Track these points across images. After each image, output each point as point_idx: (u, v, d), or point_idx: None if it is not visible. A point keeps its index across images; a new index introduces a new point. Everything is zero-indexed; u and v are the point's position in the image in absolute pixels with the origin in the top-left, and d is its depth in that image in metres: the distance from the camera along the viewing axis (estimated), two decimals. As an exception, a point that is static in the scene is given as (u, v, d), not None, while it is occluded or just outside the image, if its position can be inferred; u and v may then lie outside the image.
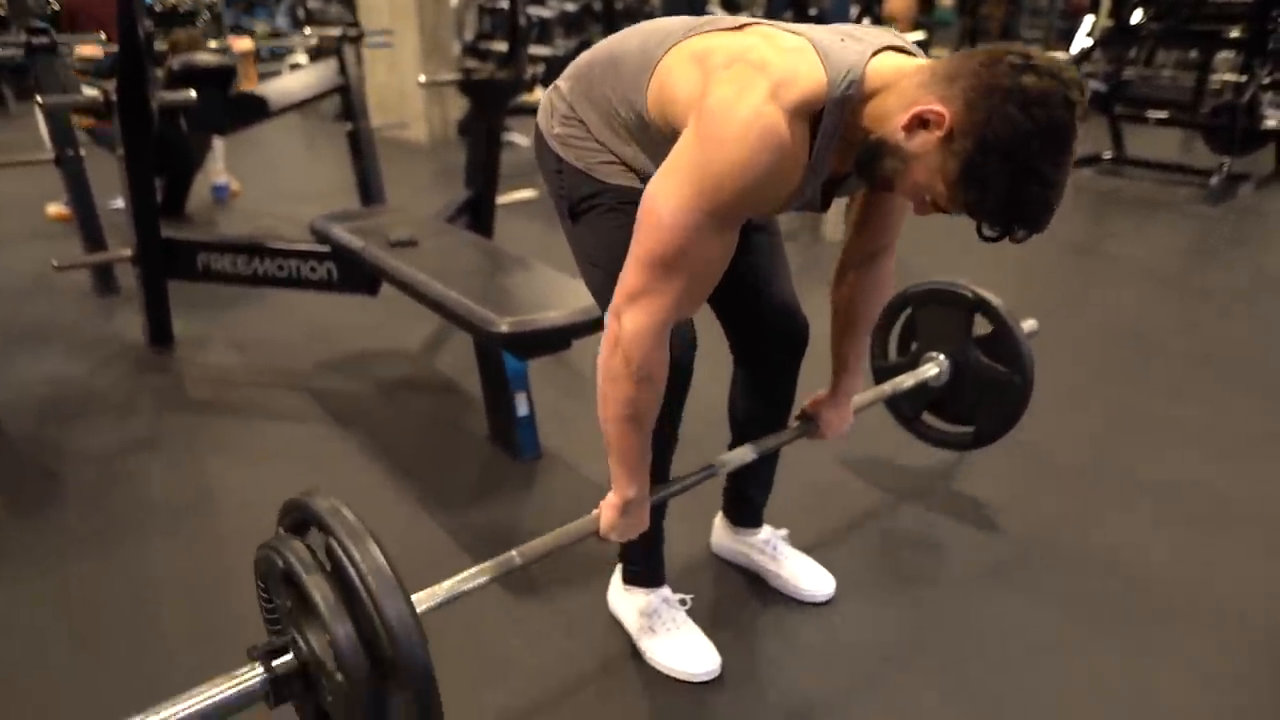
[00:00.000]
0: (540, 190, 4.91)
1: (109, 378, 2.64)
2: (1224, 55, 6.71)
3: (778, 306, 1.52)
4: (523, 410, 2.17)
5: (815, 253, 3.95)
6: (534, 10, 7.30)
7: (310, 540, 1.02)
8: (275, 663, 0.97)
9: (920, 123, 0.99)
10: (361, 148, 3.84)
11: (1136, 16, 5.60)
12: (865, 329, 1.53)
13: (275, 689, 0.97)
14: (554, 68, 4.71)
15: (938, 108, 0.96)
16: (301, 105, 3.93)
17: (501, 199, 3.63)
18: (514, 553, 1.20)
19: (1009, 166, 0.93)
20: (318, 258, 2.61)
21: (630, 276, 1.14)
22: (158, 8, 8.03)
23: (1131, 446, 2.34)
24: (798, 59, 1.06)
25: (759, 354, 1.56)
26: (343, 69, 3.79)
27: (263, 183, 5.08)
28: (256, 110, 3.82)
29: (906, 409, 2.05)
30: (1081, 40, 5.85)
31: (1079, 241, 4.39)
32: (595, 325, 1.95)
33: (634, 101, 1.23)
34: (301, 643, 0.97)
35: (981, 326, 1.89)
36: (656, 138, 1.21)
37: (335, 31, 3.77)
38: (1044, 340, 3.16)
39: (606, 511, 1.28)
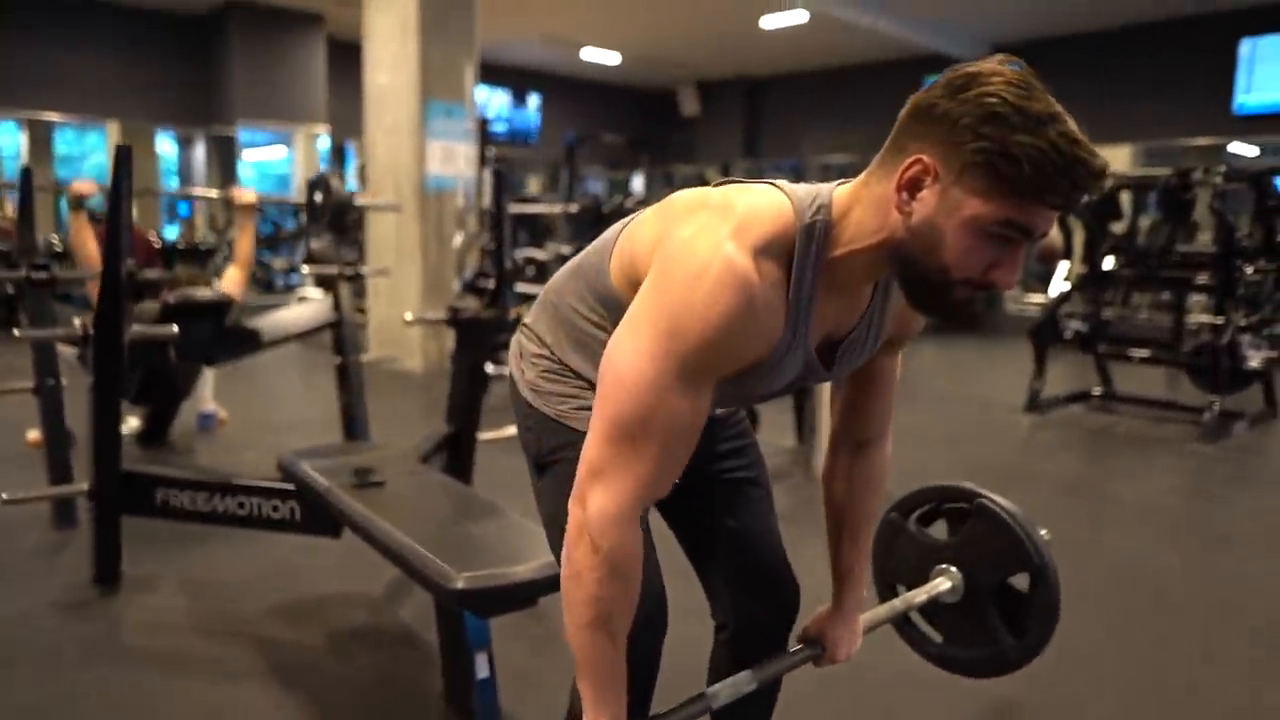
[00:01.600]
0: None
1: (38, 622, 2.44)
2: (1197, 297, 6.96)
3: (766, 572, 1.38)
4: (483, 672, 1.97)
5: (807, 494, 3.82)
6: (529, 252, 7.70)
7: None
8: None
9: (912, 185, 0.93)
10: (349, 382, 3.84)
11: (1108, 263, 5.84)
12: (866, 531, 1.38)
13: None
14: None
15: (913, 159, 0.92)
16: (293, 340, 3.97)
17: (486, 435, 3.57)
18: None
19: (1009, 127, 0.86)
20: (281, 496, 2.50)
21: (592, 451, 1.01)
22: (181, 245, 8.50)
23: (1168, 702, 2.11)
24: (762, 198, 1.02)
25: (744, 622, 1.39)
26: (337, 305, 3.87)
27: (253, 412, 5.06)
28: (249, 343, 3.86)
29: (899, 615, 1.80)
30: (1059, 284, 6.08)
31: (1077, 482, 4.30)
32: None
33: (601, 289, 1.16)
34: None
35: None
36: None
37: (333, 269, 3.88)
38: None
39: None
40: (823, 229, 1.00)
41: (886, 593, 1.70)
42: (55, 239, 7.05)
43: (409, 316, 3.24)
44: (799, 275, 1.00)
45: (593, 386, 1.19)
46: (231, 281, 3.70)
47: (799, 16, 8.85)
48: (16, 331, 2.67)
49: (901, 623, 1.74)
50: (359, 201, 4.73)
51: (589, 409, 1.20)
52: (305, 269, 3.88)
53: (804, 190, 1.03)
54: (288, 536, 2.65)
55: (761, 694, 1.37)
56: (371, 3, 6.51)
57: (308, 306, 4.23)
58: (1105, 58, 9.15)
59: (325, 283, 3.95)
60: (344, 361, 3.84)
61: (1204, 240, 6.89)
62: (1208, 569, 3.13)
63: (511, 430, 4.58)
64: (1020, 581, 1.59)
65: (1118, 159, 9.14)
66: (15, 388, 3.21)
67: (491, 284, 3.26)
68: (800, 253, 1.00)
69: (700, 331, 0.95)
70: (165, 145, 10.91)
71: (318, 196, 3.70)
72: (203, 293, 3.64)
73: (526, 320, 1.34)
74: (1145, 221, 6.94)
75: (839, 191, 1.02)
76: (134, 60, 9.33)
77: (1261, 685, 2.27)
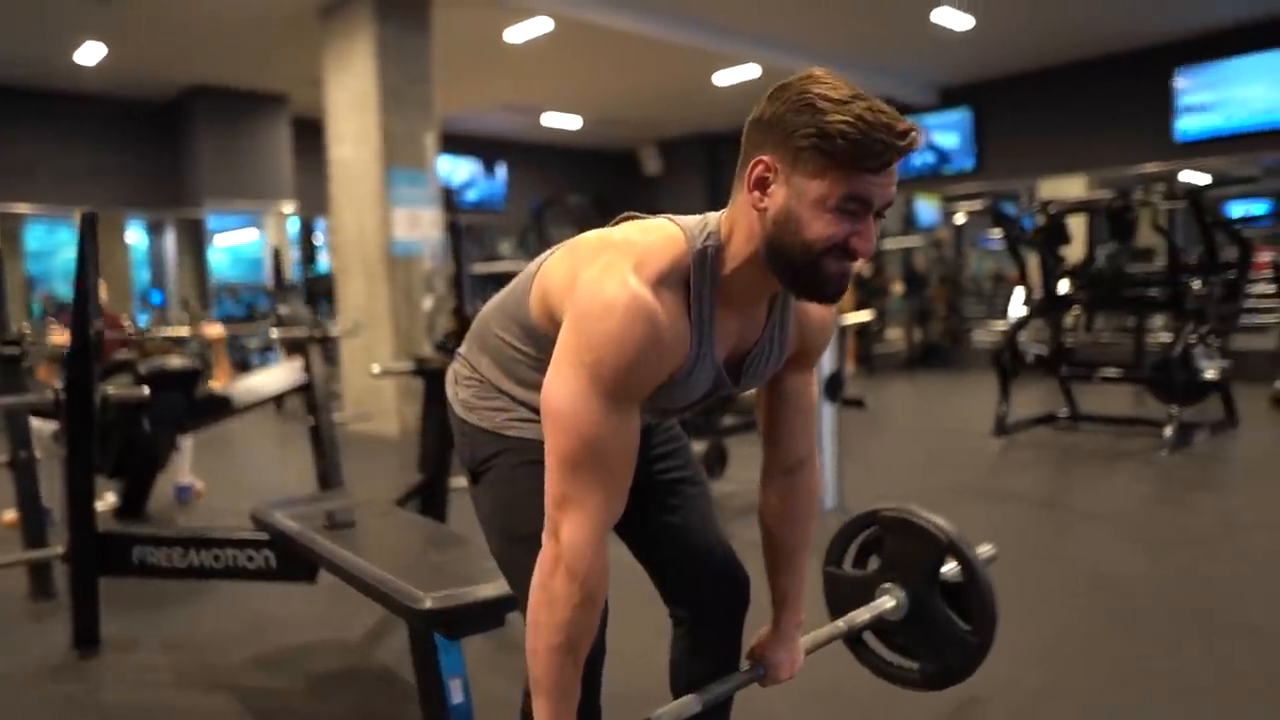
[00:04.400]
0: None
1: (17, 685, 2.44)
2: (1157, 317, 7.16)
3: (712, 560, 1.45)
4: (457, 698, 1.99)
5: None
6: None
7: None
8: None
9: (761, 184, 1.07)
10: (322, 441, 3.89)
11: (1063, 287, 6.02)
12: (801, 556, 1.46)
13: None
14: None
15: (755, 162, 1.06)
16: (266, 404, 4.02)
17: (459, 482, 3.62)
18: None
19: (821, 112, 1.00)
20: (255, 545, 2.53)
21: (554, 486, 1.10)
22: (153, 333, 8.55)
23: (1136, 700, 2.17)
24: (658, 233, 1.14)
25: (697, 612, 1.46)
26: (307, 367, 3.93)
27: (230, 481, 5.07)
28: (221, 409, 3.91)
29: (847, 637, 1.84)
30: (1017, 309, 6.24)
31: (1045, 496, 4.38)
32: (529, 597, 1.85)
33: (522, 319, 1.26)
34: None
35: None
36: (550, 345, 1.19)
37: (302, 332, 3.96)
38: (1025, 592, 3.05)
39: None
40: (714, 252, 1.13)
41: (855, 645, 1.77)
42: (25, 326, 7.08)
43: (376, 369, 3.31)
44: (697, 296, 1.12)
45: (519, 403, 1.32)
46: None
47: (751, 71, 9.17)
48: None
49: (866, 654, 1.79)
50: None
51: (517, 421, 1.31)
52: (274, 333, 3.95)
53: (694, 220, 1.17)
54: (266, 591, 2.68)
55: (717, 710, 1.44)
56: (332, 79, 6.71)
57: (278, 370, 4.29)
58: (1053, 94, 9.48)
59: (295, 346, 4.03)
60: (317, 422, 3.89)
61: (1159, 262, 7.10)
62: (1173, 570, 3.20)
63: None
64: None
65: (1073, 189, 9.43)
66: (-12, 463, 3.23)
67: (456, 335, 3.36)
68: (696, 277, 1.12)
69: (619, 362, 1.07)
70: (135, 236, 11.01)
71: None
72: (174, 361, 3.70)
73: (460, 350, 1.45)
74: (1102, 250, 7.17)
75: (723, 216, 1.16)
76: (102, 148, 9.48)
77: (1226, 681, 2.33)
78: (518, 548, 1.28)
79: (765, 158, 1.06)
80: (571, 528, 1.09)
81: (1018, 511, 3.99)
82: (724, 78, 9.47)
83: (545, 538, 1.11)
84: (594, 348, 1.07)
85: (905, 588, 1.70)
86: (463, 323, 3.30)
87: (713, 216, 1.16)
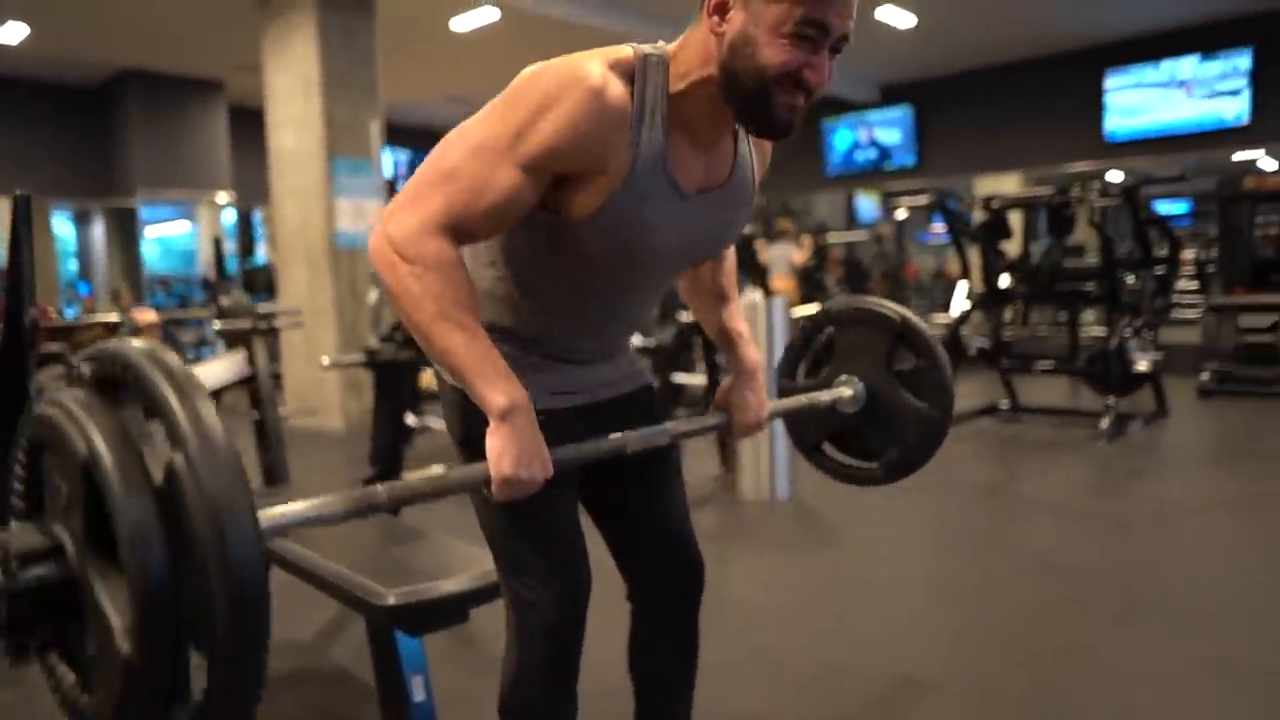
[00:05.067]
0: (450, 464, 4.84)
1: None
2: (1090, 311, 7.38)
3: (680, 544, 1.44)
4: (419, 695, 1.95)
5: (736, 515, 3.90)
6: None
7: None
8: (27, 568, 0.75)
9: (720, 9, 1.07)
10: (268, 435, 3.77)
11: (1004, 281, 6.16)
12: (731, 296, 1.46)
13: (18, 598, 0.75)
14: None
15: None
16: (222, 393, 3.89)
17: (408, 475, 3.56)
18: (380, 488, 1.01)
19: None
20: (202, 544, 2.44)
21: (399, 194, 1.09)
22: (40, 327, 8.19)
23: (1081, 679, 2.22)
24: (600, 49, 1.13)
25: (657, 594, 1.45)
26: (251, 360, 3.81)
27: (165, 479, 4.90)
28: (159, 403, 3.77)
29: (809, 435, 1.78)
30: (960, 303, 6.37)
31: (988, 485, 4.48)
32: (496, 591, 1.81)
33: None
34: (70, 549, 0.76)
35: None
36: (510, 235, 1.18)
37: (245, 324, 3.83)
38: (974, 577, 3.11)
39: (490, 449, 1.08)
40: (660, 60, 1.13)
41: (814, 454, 1.73)
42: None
43: (326, 361, 3.22)
44: (639, 93, 1.11)
45: (510, 336, 1.25)
46: None
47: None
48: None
49: (826, 461, 1.73)
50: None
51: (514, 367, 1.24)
52: (216, 324, 3.81)
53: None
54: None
55: (683, 673, 1.43)
56: (273, 64, 6.52)
57: (219, 363, 4.15)
58: (990, 94, 9.71)
59: (238, 338, 3.90)
60: (262, 416, 3.77)
61: (1092, 259, 7.32)
62: (1113, 553, 3.29)
63: (436, 469, 4.56)
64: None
65: (1007, 185, 9.67)
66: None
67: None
68: (640, 75, 1.11)
69: (539, 104, 1.06)
70: (61, 226, 10.59)
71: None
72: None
73: None
74: (1037, 246, 7.37)
75: (671, 44, 1.16)
76: (27, 134, 9.08)
77: (1167, 657, 2.40)
78: (510, 521, 1.24)
79: None
80: (400, 219, 1.07)
81: (965, 499, 4.07)
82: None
83: (373, 241, 1.09)
84: (513, 98, 1.08)
85: (861, 379, 1.64)
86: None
87: (660, 44, 1.17)
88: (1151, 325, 5.65)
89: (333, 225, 6.21)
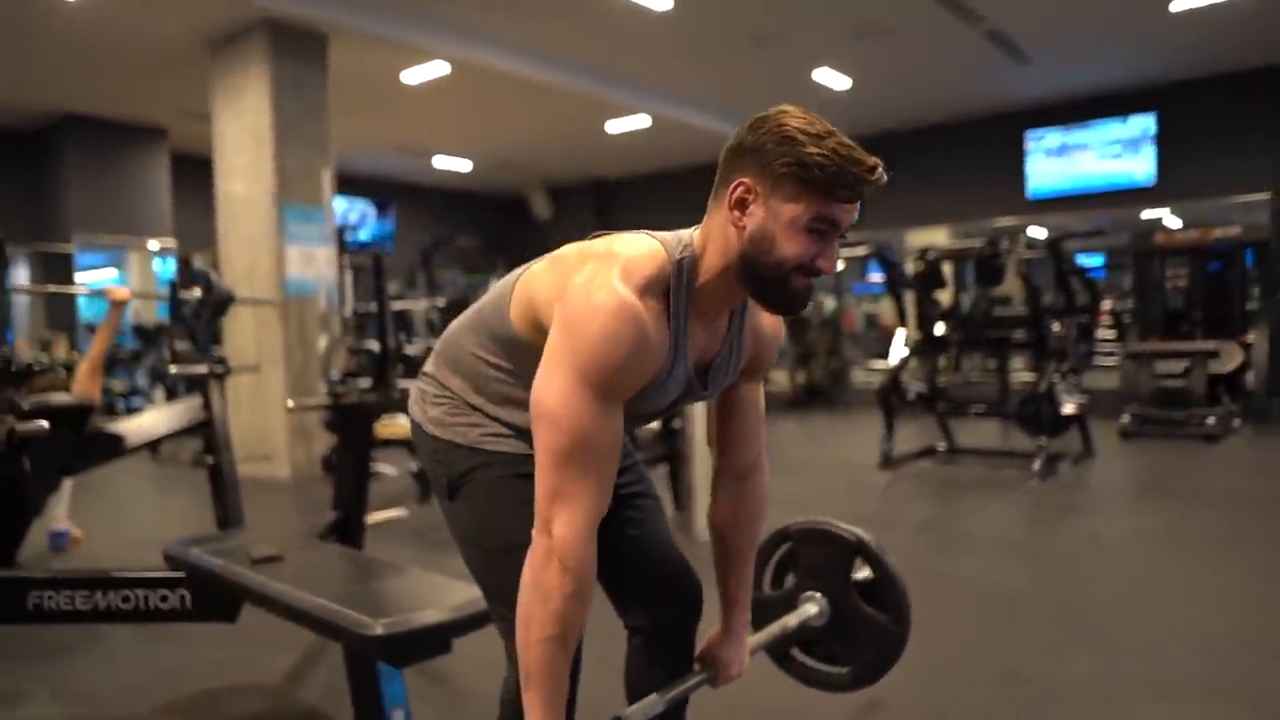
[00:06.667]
0: (410, 508, 4.86)
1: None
2: (1017, 357, 7.72)
3: (671, 570, 1.53)
4: (399, 729, 1.98)
5: (690, 554, 3.96)
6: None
7: None
8: None
9: (740, 204, 1.17)
10: (223, 481, 3.74)
11: (939, 329, 6.44)
12: (749, 556, 1.55)
13: None
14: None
15: (736, 183, 1.17)
16: (161, 442, 3.85)
17: (370, 518, 3.57)
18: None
19: (800, 144, 1.13)
20: (169, 585, 2.44)
21: (546, 481, 1.16)
22: (13, 368, 7.94)
23: (1025, 703, 2.35)
24: (640, 246, 1.22)
25: (656, 621, 1.53)
26: (207, 404, 3.79)
27: (109, 528, 4.79)
28: (111, 449, 3.70)
29: (777, 645, 1.89)
30: (899, 350, 6.62)
31: (931, 523, 4.65)
32: (476, 622, 1.88)
33: (500, 333, 1.32)
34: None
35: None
36: (531, 357, 1.25)
37: (202, 368, 3.81)
38: (920, 610, 3.22)
39: None
40: (690, 263, 1.24)
41: (784, 660, 1.87)
42: None
43: (290, 404, 3.24)
44: (676, 304, 1.23)
45: (492, 419, 1.37)
46: (84, 379, 3.57)
47: (642, 121, 9.46)
48: None
49: (795, 667, 1.88)
50: (243, 297, 4.63)
51: (493, 435, 1.36)
52: (172, 369, 3.77)
53: (671, 235, 1.27)
54: (171, 634, 2.57)
55: (675, 710, 1.52)
56: (223, 114, 6.55)
57: (174, 407, 4.11)
58: (920, 152, 10.17)
59: (193, 384, 3.88)
60: (217, 462, 3.74)
61: (1018, 308, 7.70)
62: (1049, 585, 3.47)
63: (395, 512, 4.62)
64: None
65: (937, 238, 10.11)
66: None
67: (376, 368, 3.33)
68: (674, 285, 1.22)
69: (607, 362, 1.15)
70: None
71: (195, 292, 3.66)
72: (60, 397, 3.51)
73: (426, 369, 1.49)
74: (967, 297, 7.73)
75: (696, 232, 1.27)
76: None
77: (1103, 680, 2.56)
78: (502, 559, 1.31)
79: (746, 180, 1.17)
80: (563, 522, 1.15)
81: (908, 537, 4.22)
82: (616, 126, 9.73)
83: (536, 533, 1.17)
84: (587, 350, 1.15)
85: (825, 594, 1.82)
86: (385, 355, 3.27)
87: (685, 233, 1.27)
88: (1076, 370, 5.96)
89: (282, 272, 6.20)
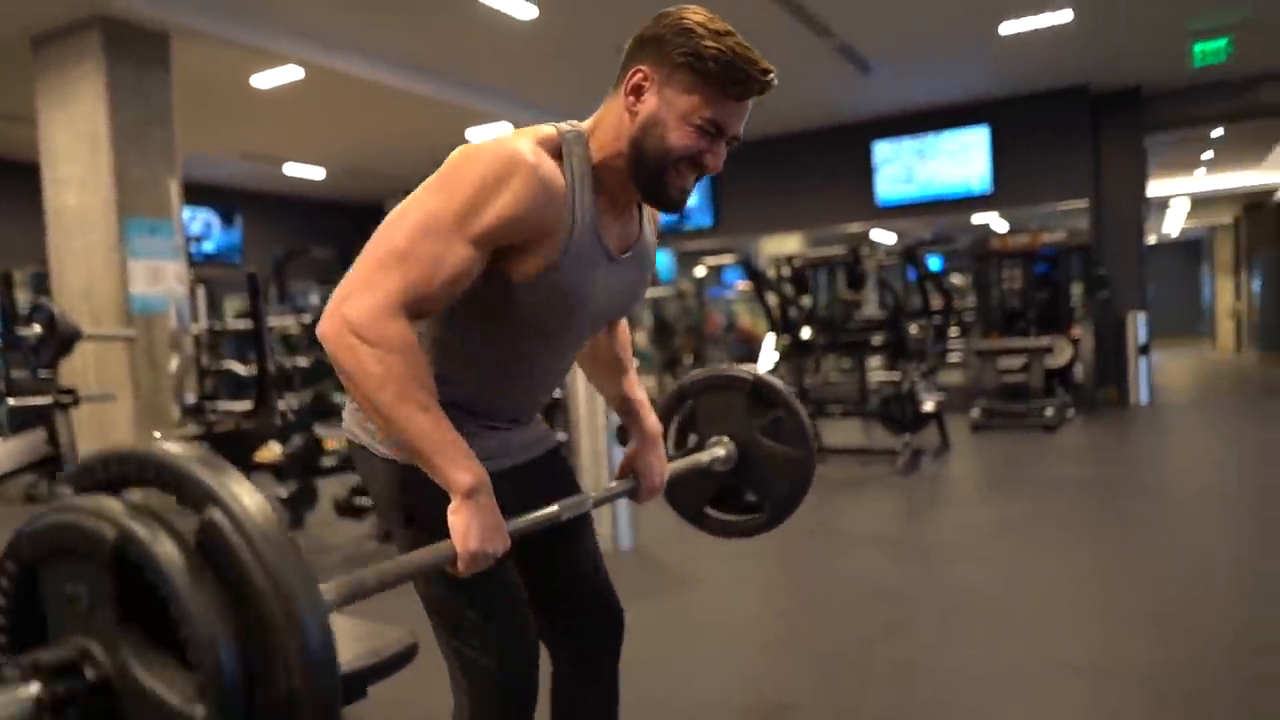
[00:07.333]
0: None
1: None
2: (874, 358, 8.12)
3: (595, 589, 1.52)
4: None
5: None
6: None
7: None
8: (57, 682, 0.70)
9: (636, 90, 1.20)
10: (73, 520, 3.43)
11: (806, 334, 6.69)
12: (628, 366, 1.57)
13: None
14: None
15: (634, 70, 1.19)
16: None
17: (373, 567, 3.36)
18: (365, 572, 1.03)
19: (699, 37, 1.15)
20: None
21: (352, 276, 1.12)
22: None
23: (917, 689, 2.47)
24: (525, 128, 1.23)
25: (580, 644, 1.51)
26: (52, 438, 3.47)
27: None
28: (-62, 493, 3.34)
29: (691, 503, 1.89)
30: (769, 355, 6.83)
31: (809, 523, 4.81)
32: (396, 663, 1.81)
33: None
34: (102, 655, 0.73)
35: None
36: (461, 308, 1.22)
37: (47, 399, 3.49)
38: (808, 609, 3.34)
39: (455, 525, 1.11)
40: (579, 136, 1.25)
41: (701, 520, 1.85)
42: None
43: (158, 435, 3.00)
44: (569, 167, 1.22)
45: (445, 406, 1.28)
46: None
47: (505, 129, 9.36)
48: None
49: (713, 523, 1.85)
50: (90, 332, 4.25)
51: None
52: (11, 401, 3.42)
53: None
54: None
55: (607, 700, 1.51)
56: (50, 116, 6.00)
57: (13, 443, 3.74)
58: (776, 161, 10.53)
59: (37, 417, 3.54)
60: (66, 500, 3.43)
61: (871, 311, 8.10)
62: (931, 576, 3.66)
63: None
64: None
65: (790, 244, 10.51)
66: None
67: (232, 406, 3.13)
68: (567, 150, 1.23)
69: (482, 183, 1.14)
70: None
71: (35, 329, 3.33)
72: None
73: None
74: (822, 298, 8.06)
75: (586, 121, 1.29)
76: None
77: (988, 661, 2.73)
78: (460, 593, 1.26)
79: (644, 68, 1.20)
80: (357, 303, 1.09)
81: (791, 537, 4.35)
82: (476, 133, 9.58)
83: (325, 321, 1.10)
84: (454, 178, 1.15)
85: (730, 436, 1.78)
86: (264, 377, 3.09)
87: (574, 123, 1.28)
88: (933, 369, 6.33)
89: (125, 289, 5.75)
